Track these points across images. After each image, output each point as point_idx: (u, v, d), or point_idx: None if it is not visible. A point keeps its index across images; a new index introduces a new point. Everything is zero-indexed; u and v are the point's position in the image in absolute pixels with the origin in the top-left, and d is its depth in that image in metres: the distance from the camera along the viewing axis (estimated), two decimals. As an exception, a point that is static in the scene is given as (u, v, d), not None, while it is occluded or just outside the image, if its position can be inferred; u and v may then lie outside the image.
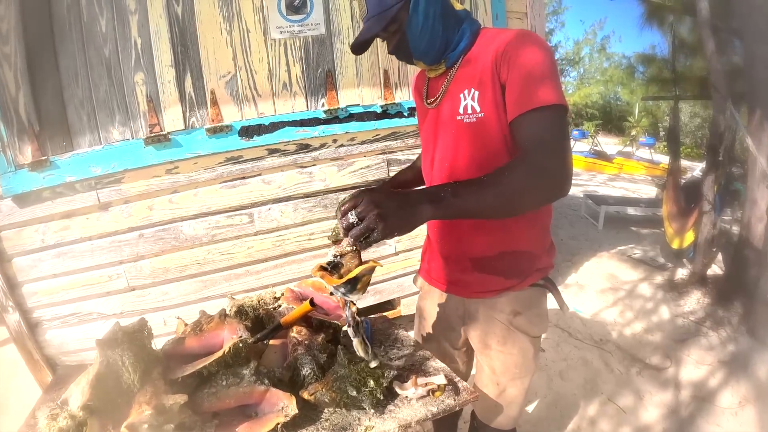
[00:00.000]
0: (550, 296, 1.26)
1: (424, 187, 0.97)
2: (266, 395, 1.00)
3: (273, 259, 2.38)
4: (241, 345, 1.03)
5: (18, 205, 2.15)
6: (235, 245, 2.32)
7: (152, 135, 2.13)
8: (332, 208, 2.42)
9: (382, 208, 0.77)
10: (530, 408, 2.36)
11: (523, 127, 0.95)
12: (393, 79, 2.40)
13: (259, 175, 2.28)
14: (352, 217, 0.78)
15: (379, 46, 2.34)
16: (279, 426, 0.93)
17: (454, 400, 1.04)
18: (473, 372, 1.45)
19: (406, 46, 1.08)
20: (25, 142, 2.10)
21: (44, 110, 2.11)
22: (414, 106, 2.42)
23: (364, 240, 0.78)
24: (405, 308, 2.67)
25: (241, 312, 1.28)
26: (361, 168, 2.41)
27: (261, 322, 1.27)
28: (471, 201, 0.84)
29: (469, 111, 1.05)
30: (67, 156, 2.12)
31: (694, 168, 7.44)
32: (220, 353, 1.01)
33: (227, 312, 1.23)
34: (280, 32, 2.21)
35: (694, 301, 3.36)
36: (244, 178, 2.26)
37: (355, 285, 0.89)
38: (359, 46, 1.10)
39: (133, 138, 2.15)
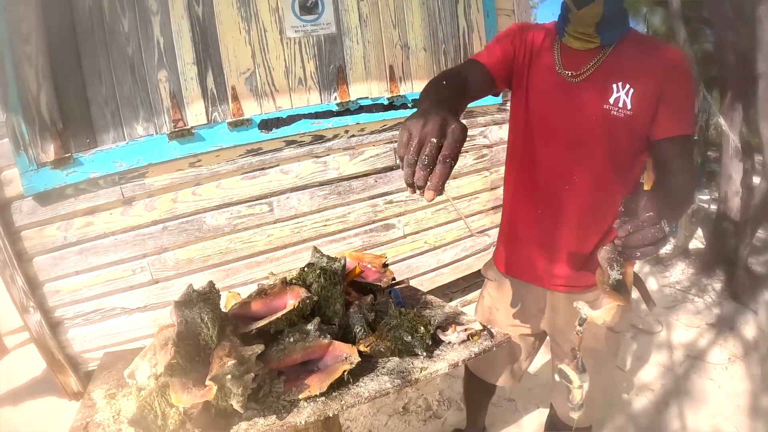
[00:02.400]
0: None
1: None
2: (329, 348, 1.16)
3: (291, 245, 2.65)
4: (308, 302, 1.21)
5: (39, 203, 2.35)
6: (255, 234, 2.57)
7: (176, 130, 2.38)
8: (345, 195, 2.66)
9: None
10: (533, 369, 2.64)
11: (676, 148, 1.12)
12: (398, 73, 2.71)
13: (278, 165, 2.55)
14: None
15: (385, 42, 2.60)
16: (345, 373, 1.08)
17: (491, 342, 1.26)
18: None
19: None
20: (47, 140, 2.31)
21: (67, 108, 2.32)
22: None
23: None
24: (415, 289, 2.94)
25: (263, 290, 1.40)
26: (371, 156, 2.70)
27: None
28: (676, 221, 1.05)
29: (620, 105, 1.14)
30: (91, 153, 2.35)
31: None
32: (288, 308, 1.17)
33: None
34: (295, 31, 2.48)
35: (679, 271, 3.85)
36: (263, 168, 2.53)
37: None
38: None
39: (157, 133, 2.39)
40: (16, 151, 2.26)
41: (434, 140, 0.71)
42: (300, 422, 1.00)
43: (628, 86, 1.13)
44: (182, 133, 2.37)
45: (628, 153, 1.19)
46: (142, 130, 2.38)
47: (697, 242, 4.31)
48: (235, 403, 1.00)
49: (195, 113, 2.41)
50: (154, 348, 1.11)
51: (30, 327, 2.46)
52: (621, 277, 0.91)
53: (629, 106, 1.13)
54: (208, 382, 0.97)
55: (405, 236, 2.92)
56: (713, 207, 4.18)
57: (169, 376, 1.01)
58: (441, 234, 3.12)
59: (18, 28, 2.18)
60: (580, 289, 1.35)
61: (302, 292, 1.24)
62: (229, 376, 0.98)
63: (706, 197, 4.58)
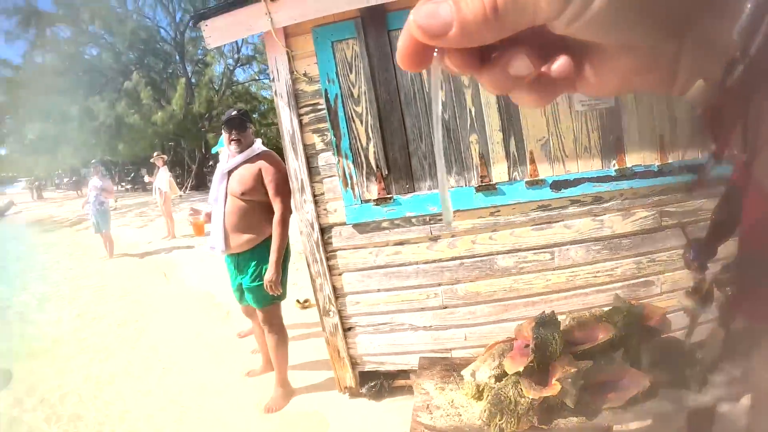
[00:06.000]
0: None
1: None
2: (628, 373, 1.59)
3: (564, 291, 3.13)
4: (614, 337, 1.66)
5: (358, 231, 3.09)
6: (537, 277, 3.11)
7: (482, 184, 2.96)
8: (615, 251, 3.10)
9: None
10: None
11: None
12: (666, 141, 3.07)
13: (562, 221, 3.09)
14: None
15: (655, 110, 3.01)
16: (639, 393, 1.50)
17: None
18: None
19: None
20: (372, 182, 3.02)
21: (392, 159, 3.06)
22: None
23: None
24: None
25: (581, 322, 1.87)
26: (640, 218, 3.11)
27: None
28: None
29: None
30: (409, 196, 3.02)
31: None
32: (605, 338, 1.63)
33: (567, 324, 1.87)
34: (582, 105, 2.96)
35: None
36: (550, 222, 3.08)
37: None
38: None
39: (466, 185, 2.97)
40: (343, 188, 3.00)
41: None
42: (602, 425, 1.50)
43: None
44: (487, 188, 2.97)
45: None
46: (453, 182, 2.99)
47: None
48: (569, 401, 1.49)
49: (498, 171, 3.01)
50: (492, 356, 1.61)
51: (325, 326, 3.17)
52: None
53: None
54: (554, 383, 1.44)
55: (661, 293, 3.28)
56: None
57: (526, 374, 1.50)
58: None
59: (350, 92, 2.92)
60: None
61: (609, 328, 1.73)
62: (569, 380, 1.47)
63: None
